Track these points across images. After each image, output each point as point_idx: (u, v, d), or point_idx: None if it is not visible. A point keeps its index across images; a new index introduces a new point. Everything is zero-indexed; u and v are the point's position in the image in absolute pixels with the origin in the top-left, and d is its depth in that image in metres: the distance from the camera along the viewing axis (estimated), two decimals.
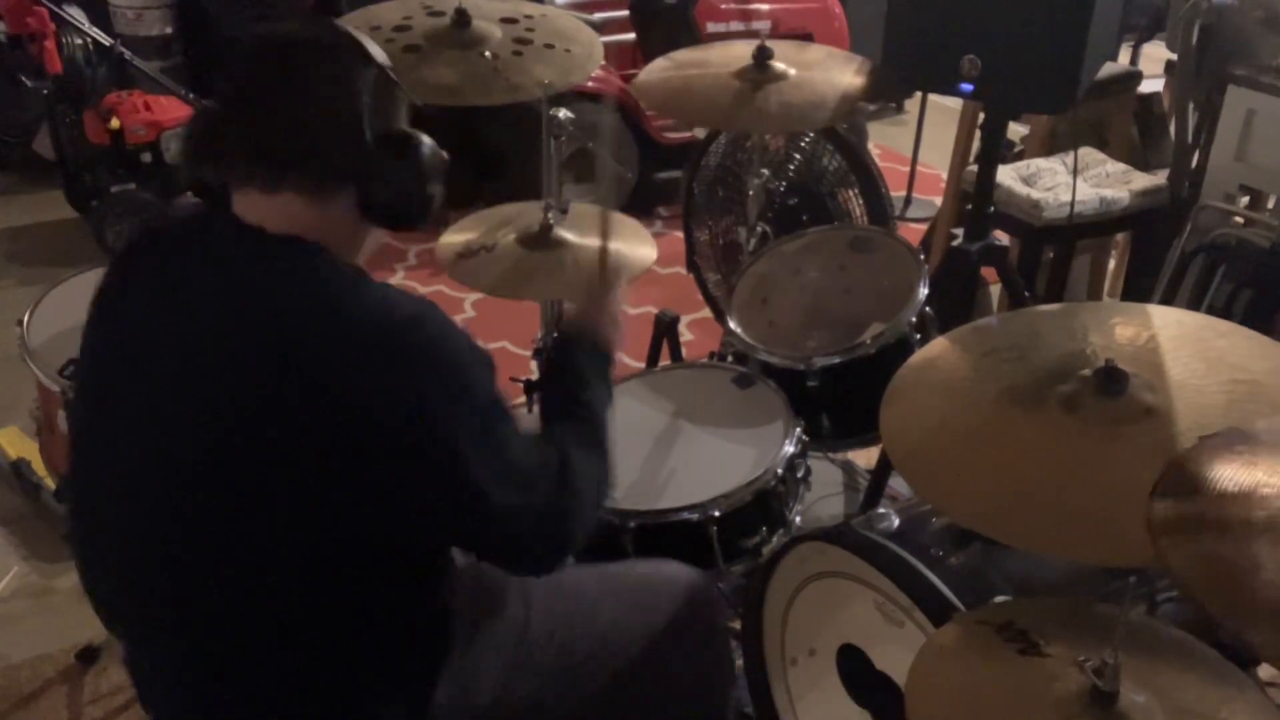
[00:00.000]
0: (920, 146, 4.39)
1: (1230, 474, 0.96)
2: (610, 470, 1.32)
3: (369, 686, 1.20)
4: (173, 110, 3.79)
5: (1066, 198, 2.67)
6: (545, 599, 1.41)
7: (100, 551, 1.23)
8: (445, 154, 1.22)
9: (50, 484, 2.41)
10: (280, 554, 1.11)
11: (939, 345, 1.47)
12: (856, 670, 1.58)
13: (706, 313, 3.13)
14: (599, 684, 1.38)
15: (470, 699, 1.29)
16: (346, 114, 1.13)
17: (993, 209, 2.40)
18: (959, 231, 2.75)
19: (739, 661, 1.76)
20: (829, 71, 2.13)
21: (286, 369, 1.08)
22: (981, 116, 2.41)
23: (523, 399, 2.35)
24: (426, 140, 1.19)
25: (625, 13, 4.07)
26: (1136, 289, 2.94)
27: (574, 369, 1.37)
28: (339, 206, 1.16)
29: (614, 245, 1.68)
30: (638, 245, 2.07)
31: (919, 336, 1.89)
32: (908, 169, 4.42)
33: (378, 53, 1.18)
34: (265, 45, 1.17)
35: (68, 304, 2.07)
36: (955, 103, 3.34)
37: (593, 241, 1.76)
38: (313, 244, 1.14)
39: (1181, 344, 1.33)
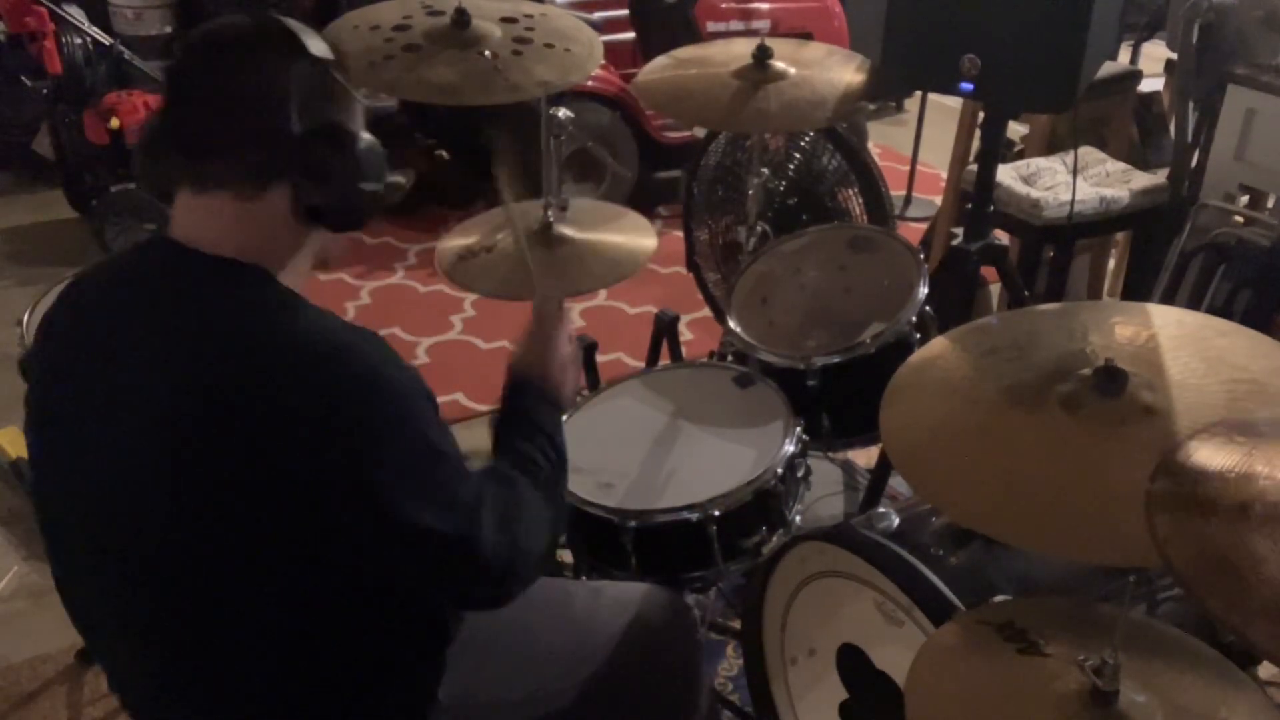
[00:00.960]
0: (920, 146, 4.40)
1: (1229, 466, 0.96)
2: (561, 515, 1.29)
3: (364, 694, 1.20)
4: None
5: (1066, 197, 2.67)
6: (548, 605, 1.43)
7: (73, 584, 1.23)
8: (383, 149, 1.16)
9: None
10: (248, 579, 1.09)
11: (939, 345, 1.47)
12: (856, 670, 1.58)
13: (706, 313, 3.14)
14: (590, 686, 1.38)
15: (476, 697, 1.30)
16: (271, 105, 1.08)
17: (993, 208, 2.40)
18: (959, 231, 2.74)
19: (739, 661, 1.76)
20: (829, 70, 2.13)
21: (218, 398, 1.05)
22: (981, 116, 2.41)
23: None
24: (365, 135, 1.14)
25: (625, 13, 4.08)
26: (1136, 288, 2.94)
27: (523, 418, 1.33)
28: (271, 207, 1.11)
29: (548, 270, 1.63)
30: (638, 236, 2.06)
31: (919, 336, 1.88)
32: (908, 168, 4.43)
33: (316, 45, 1.12)
34: (194, 40, 1.14)
35: None
36: (955, 102, 3.34)
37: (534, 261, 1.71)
38: (249, 265, 1.11)
39: (1181, 343, 1.33)
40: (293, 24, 1.12)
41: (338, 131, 1.11)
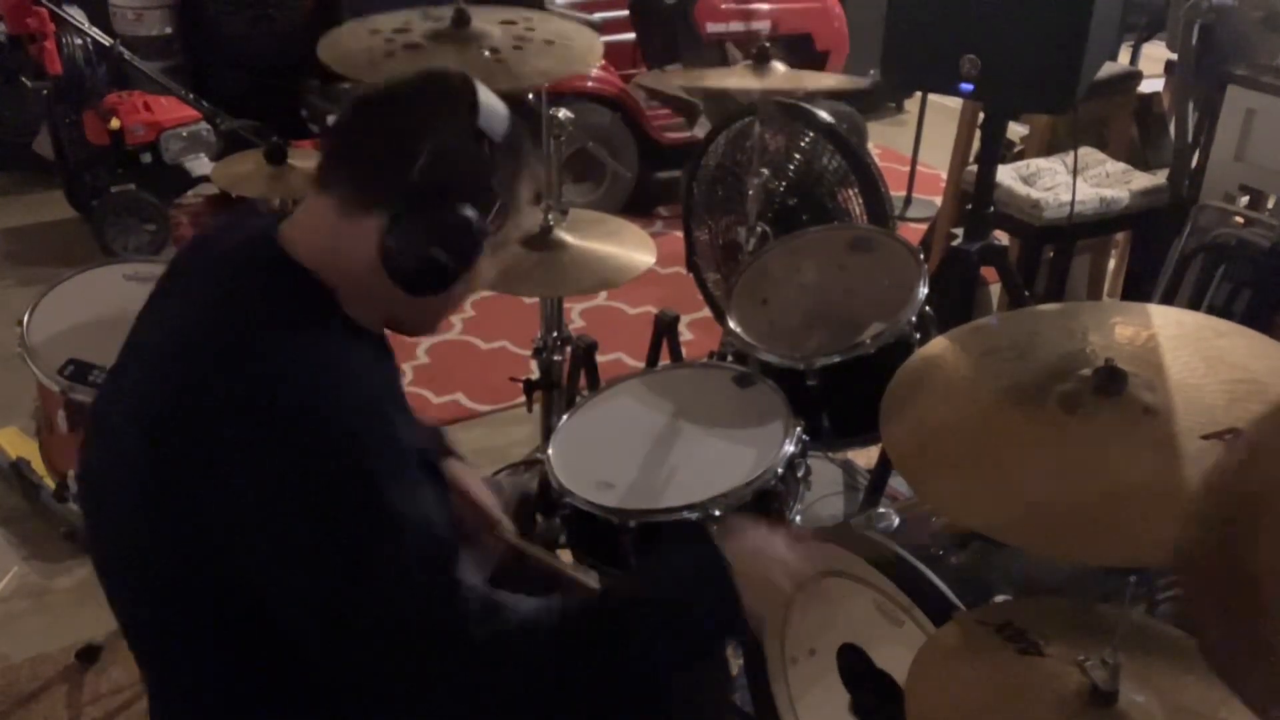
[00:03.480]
0: (920, 146, 4.40)
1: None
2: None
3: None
4: (173, 110, 3.79)
5: (1066, 197, 2.67)
6: None
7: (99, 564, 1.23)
8: (479, 235, 1.11)
9: (50, 484, 2.41)
10: (194, 602, 1.07)
11: (939, 345, 1.47)
12: (857, 670, 1.58)
13: (706, 313, 3.14)
14: None
15: None
16: (409, 143, 1.09)
17: (992, 209, 2.39)
18: (959, 231, 2.75)
19: (739, 661, 1.76)
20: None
21: (201, 408, 1.02)
22: (981, 116, 2.41)
23: (522, 399, 2.36)
24: (469, 213, 1.09)
25: (625, 13, 4.08)
26: (1136, 289, 2.94)
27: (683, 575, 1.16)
28: (362, 232, 1.09)
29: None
30: (636, 250, 2.07)
31: (919, 336, 1.88)
32: (908, 169, 4.43)
33: (491, 121, 1.11)
34: (412, 73, 1.16)
35: (68, 304, 2.07)
36: (955, 103, 3.34)
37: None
38: (325, 286, 1.10)
39: (1181, 343, 1.33)
40: (486, 93, 1.13)
41: (445, 197, 1.09)
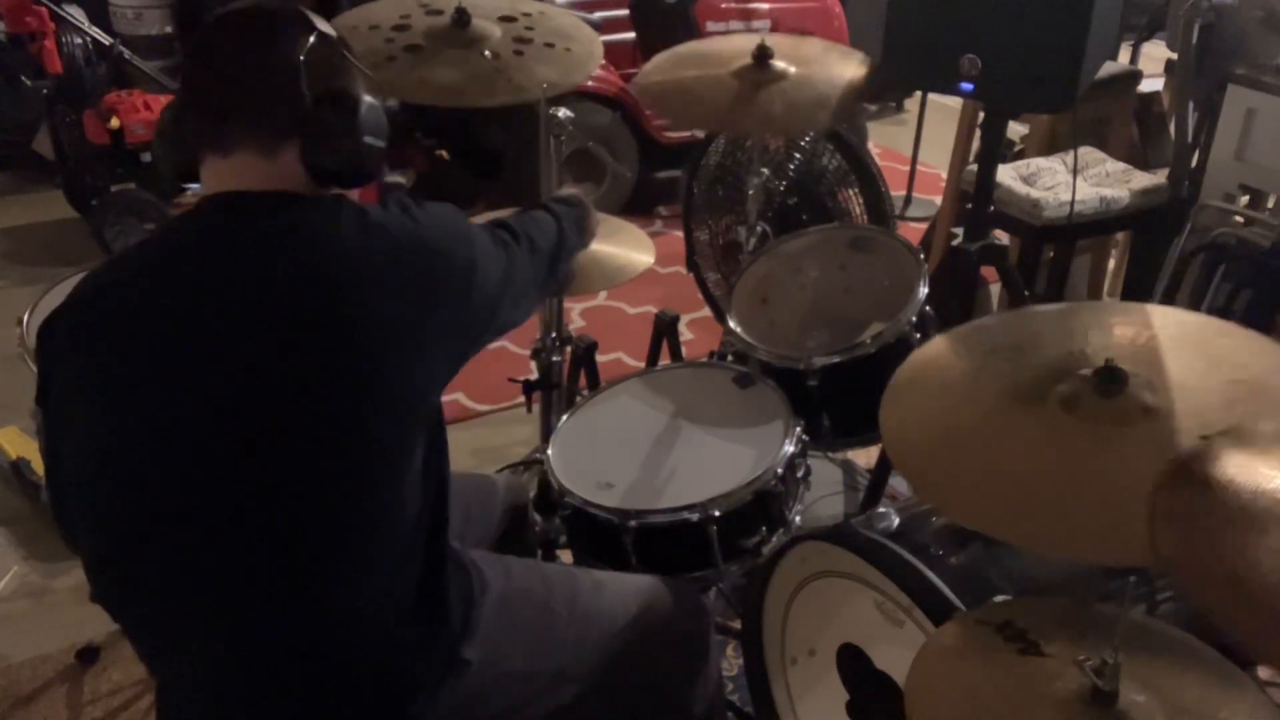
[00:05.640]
0: (920, 146, 4.40)
1: (1237, 467, 0.96)
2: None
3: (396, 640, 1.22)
4: None
5: (1066, 197, 2.67)
6: (561, 581, 1.47)
7: (135, 556, 1.20)
8: (385, 109, 1.27)
9: None
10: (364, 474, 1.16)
11: (939, 345, 1.47)
12: (856, 670, 1.58)
13: (706, 313, 3.14)
14: (607, 665, 1.42)
15: (501, 665, 1.33)
16: (283, 72, 1.19)
17: (992, 209, 2.39)
18: (959, 231, 2.75)
19: (739, 661, 1.76)
20: (829, 68, 2.12)
21: (332, 313, 1.13)
22: (981, 116, 2.41)
23: (522, 399, 2.35)
24: (367, 99, 1.24)
25: (625, 13, 4.08)
26: (1136, 288, 2.94)
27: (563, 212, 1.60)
28: (289, 166, 1.20)
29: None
30: (636, 250, 2.07)
31: (919, 336, 1.88)
32: (908, 169, 4.43)
33: (323, 24, 1.25)
34: (215, 18, 1.24)
35: None
36: (955, 102, 3.34)
37: None
38: (290, 194, 1.19)
39: (1181, 343, 1.33)
40: (302, 8, 1.25)
41: (341, 96, 1.22)
